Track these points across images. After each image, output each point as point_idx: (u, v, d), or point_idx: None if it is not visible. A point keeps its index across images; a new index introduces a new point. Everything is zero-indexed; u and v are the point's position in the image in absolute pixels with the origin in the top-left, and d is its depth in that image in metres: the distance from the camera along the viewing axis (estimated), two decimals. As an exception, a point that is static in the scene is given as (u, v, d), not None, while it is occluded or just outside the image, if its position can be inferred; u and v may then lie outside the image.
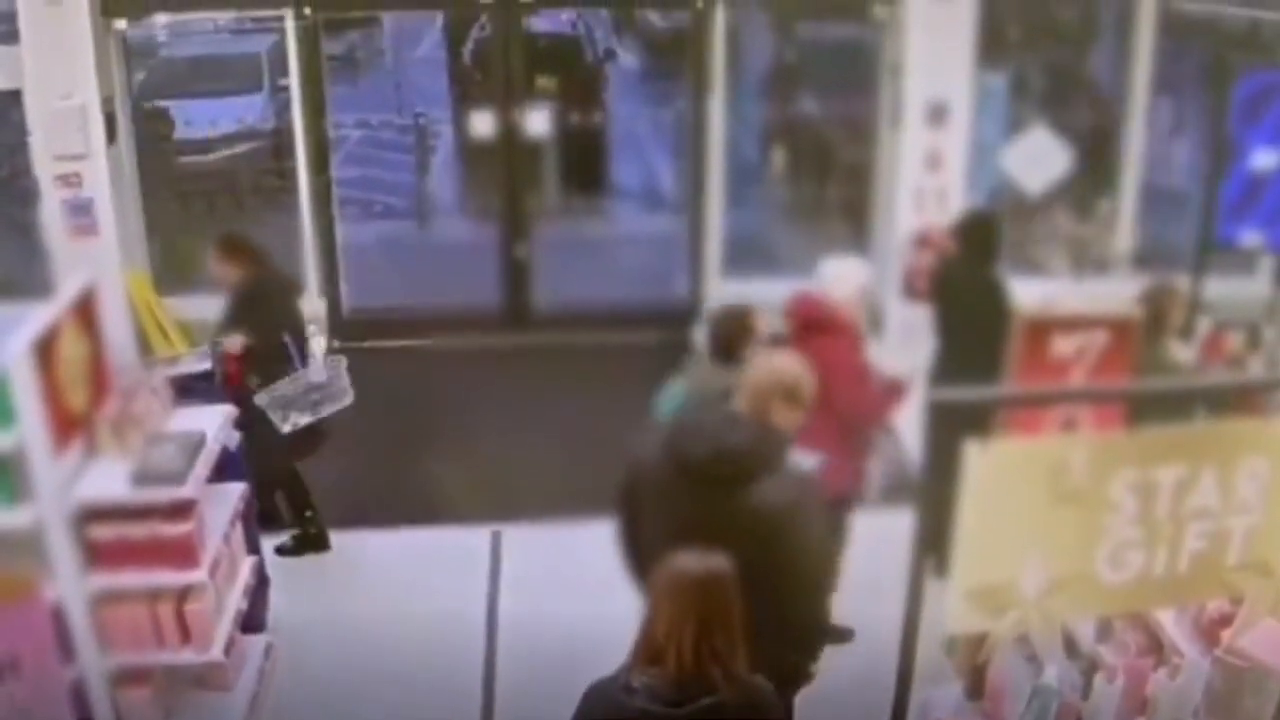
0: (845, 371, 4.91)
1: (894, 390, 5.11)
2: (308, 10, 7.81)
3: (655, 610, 3.08)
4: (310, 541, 6.12)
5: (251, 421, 5.36)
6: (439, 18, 16.31)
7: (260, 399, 5.67)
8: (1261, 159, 6.37)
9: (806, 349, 4.94)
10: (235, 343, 5.72)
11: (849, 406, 4.91)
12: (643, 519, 3.86)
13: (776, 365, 3.95)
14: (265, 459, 5.44)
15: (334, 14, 7.93)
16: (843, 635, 5.45)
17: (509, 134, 8.64)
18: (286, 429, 5.72)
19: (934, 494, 2.97)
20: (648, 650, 3.06)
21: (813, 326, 4.98)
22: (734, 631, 3.05)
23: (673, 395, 4.85)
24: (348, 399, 5.88)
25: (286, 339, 5.79)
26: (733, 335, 4.84)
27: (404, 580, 5.87)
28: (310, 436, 5.88)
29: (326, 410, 5.83)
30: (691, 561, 3.08)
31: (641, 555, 3.89)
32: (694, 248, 8.46)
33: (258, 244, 6.00)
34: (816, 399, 4.87)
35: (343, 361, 5.99)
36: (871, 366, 5.17)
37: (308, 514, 6.12)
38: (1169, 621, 3.57)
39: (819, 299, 5.08)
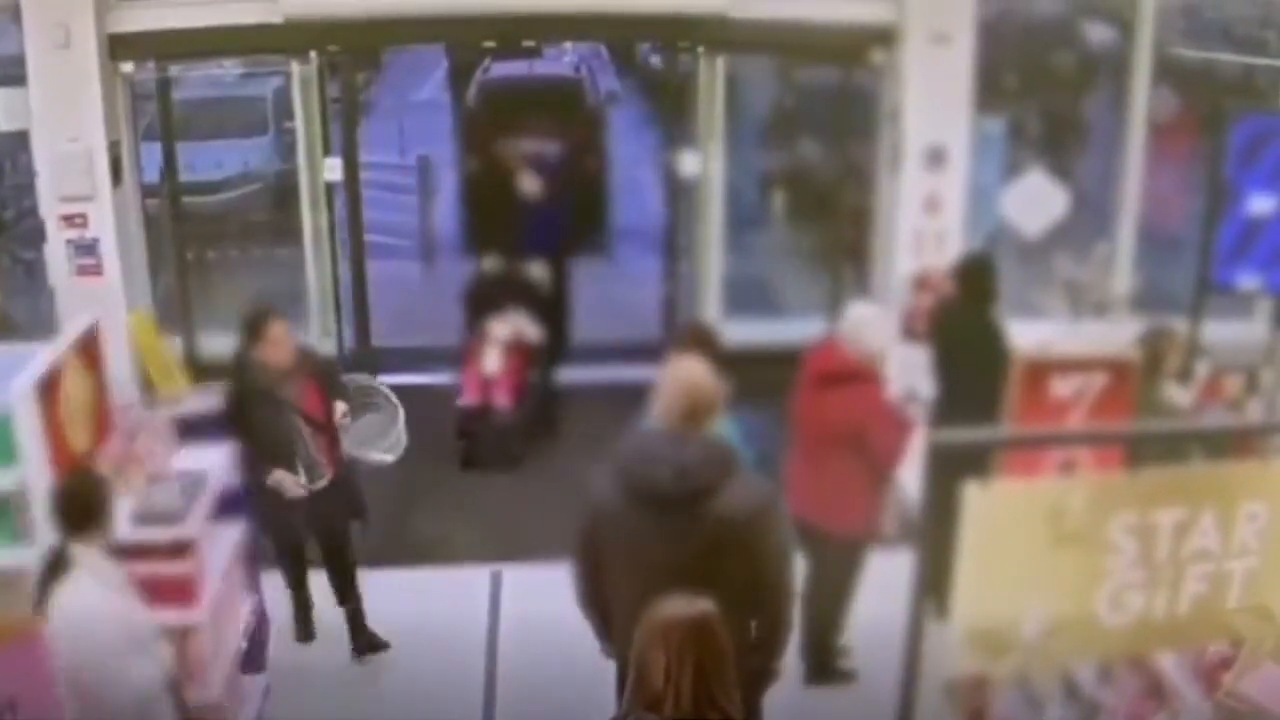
0: (878, 419, 4.94)
1: (908, 424, 5.13)
2: (313, 54, 7.91)
3: (650, 657, 3.06)
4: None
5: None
6: (443, 61, 16.56)
7: (355, 449, 5.65)
8: (1258, 203, 6.43)
9: (831, 397, 4.97)
10: (340, 410, 5.39)
11: (882, 451, 4.93)
12: (607, 560, 3.83)
13: (686, 376, 3.91)
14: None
15: (338, 57, 8.00)
16: (845, 677, 5.44)
17: (511, 175, 8.69)
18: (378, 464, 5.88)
19: (934, 536, 2.98)
20: (644, 697, 3.05)
21: (838, 376, 4.98)
22: (729, 674, 3.06)
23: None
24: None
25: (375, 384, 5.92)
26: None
27: (404, 620, 5.84)
28: None
29: (403, 441, 6.05)
30: (683, 606, 3.08)
31: (608, 599, 3.88)
32: (680, 289, 8.49)
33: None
34: (846, 443, 4.91)
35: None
36: (895, 408, 5.19)
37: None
38: (1169, 665, 3.56)
39: (840, 348, 5.06)
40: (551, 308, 7.95)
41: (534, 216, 8.10)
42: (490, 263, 7.88)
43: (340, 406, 5.36)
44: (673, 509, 3.61)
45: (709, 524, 3.59)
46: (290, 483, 5.19)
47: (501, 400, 7.50)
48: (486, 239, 8.35)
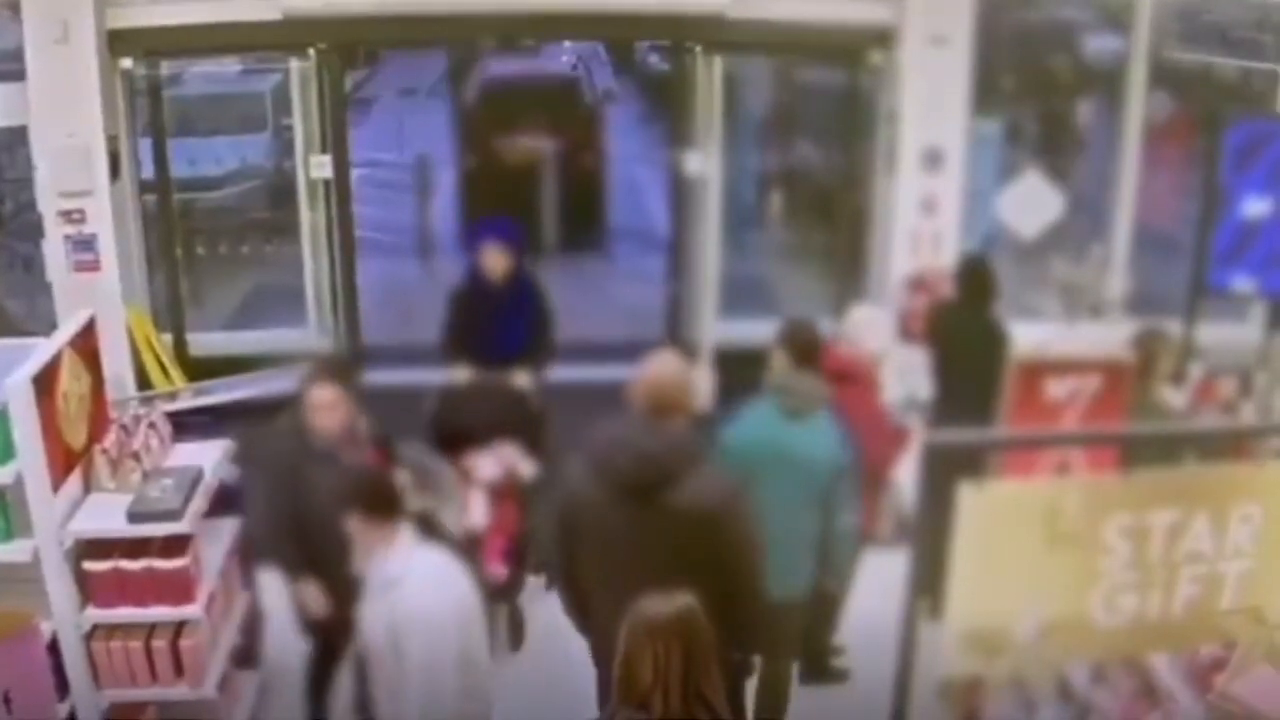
0: (874, 422, 4.97)
1: (903, 433, 5.15)
2: (311, 50, 7.90)
3: (636, 655, 3.08)
4: None
5: None
6: (442, 59, 16.54)
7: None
8: (1252, 207, 6.46)
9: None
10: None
11: (877, 454, 4.95)
12: (581, 549, 3.92)
13: (655, 369, 3.93)
14: None
15: (327, 54, 7.98)
16: (839, 676, 5.46)
17: (509, 173, 8.66)
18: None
19: (929, 536, 2.99)
20: (633, 695, 3.06)
21: (833, 376, 4.99)
22: (714, 670, 3.07)
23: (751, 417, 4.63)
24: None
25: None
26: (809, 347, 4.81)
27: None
28: None
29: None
30: (664, 603, 3.10)
31: (583, 587, 3.97)
32: (678, 288, 8.50)
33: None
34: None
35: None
36: (887, 415, 5.21)
37: None
38: (1163, 666, 3.58)
39: (837, 348, 5.07)
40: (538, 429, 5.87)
41: (494, 304, 6.00)
42: (462, 373, 5.95)
43: (400, 476, 4.62)
44: (634, 495, 3.69)
45: (670, 511, 3.66)
46: (313, 597, 4.62)
47: (497, 567, 5.51)
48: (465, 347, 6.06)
